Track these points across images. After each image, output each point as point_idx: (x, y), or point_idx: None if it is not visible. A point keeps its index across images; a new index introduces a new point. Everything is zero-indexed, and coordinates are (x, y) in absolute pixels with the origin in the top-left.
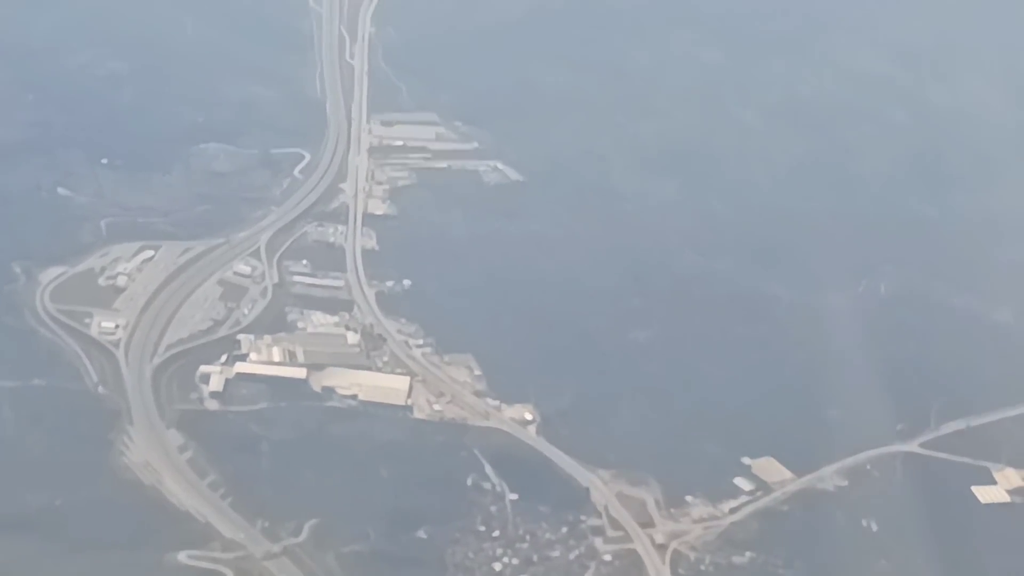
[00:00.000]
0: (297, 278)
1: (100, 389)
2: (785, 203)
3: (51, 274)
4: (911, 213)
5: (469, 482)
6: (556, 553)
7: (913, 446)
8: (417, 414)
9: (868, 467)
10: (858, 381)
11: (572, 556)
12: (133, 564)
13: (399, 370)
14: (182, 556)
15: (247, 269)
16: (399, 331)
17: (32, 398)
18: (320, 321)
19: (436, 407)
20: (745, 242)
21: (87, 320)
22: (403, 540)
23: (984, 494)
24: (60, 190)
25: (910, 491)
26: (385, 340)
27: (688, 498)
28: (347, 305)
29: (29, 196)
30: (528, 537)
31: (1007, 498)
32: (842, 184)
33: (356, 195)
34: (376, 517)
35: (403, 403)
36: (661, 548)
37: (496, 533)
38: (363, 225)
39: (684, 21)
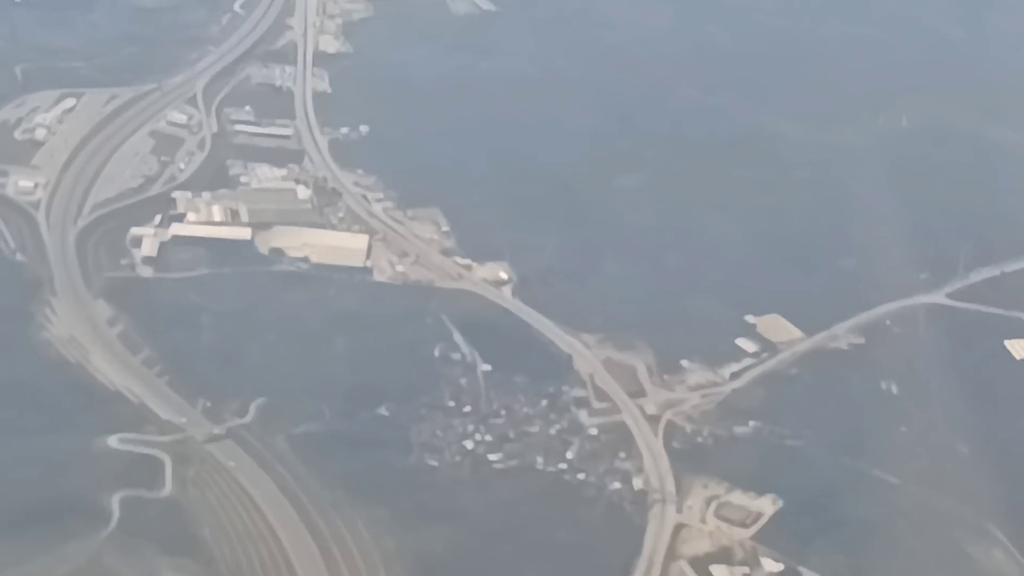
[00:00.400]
0: (239, 127)
1: (18, 256)
2: (793, 28)
3: None
4: (936, 34)
5: (436, 352)
6: (535, 428)
7: (939, 297)
8: (377, 277)
9: (887, 323)
10: (876, 226)
11: (553, 431)
12: (57, 451)
13: (356, 228)
14: (113, 440)
15: (182, 118)
16: (356, 184)
17: None
18: (266, 175)
19: (398, 268)
20: (748, 74)
21: (2, 179)
22: (362, 418)
23: (1019, 348)
24: None
25: (935, 348)
26: (340, 194)
27: (684, 363)
28: (297, 156)
29: None
30: (503, 412)
31: None
32: (858, 3)
33: (305, 31)
34: (331, 394)
35: (361, 265)
36: (653, 419)
37: (467, 408)
38: (314, 65)
39: None
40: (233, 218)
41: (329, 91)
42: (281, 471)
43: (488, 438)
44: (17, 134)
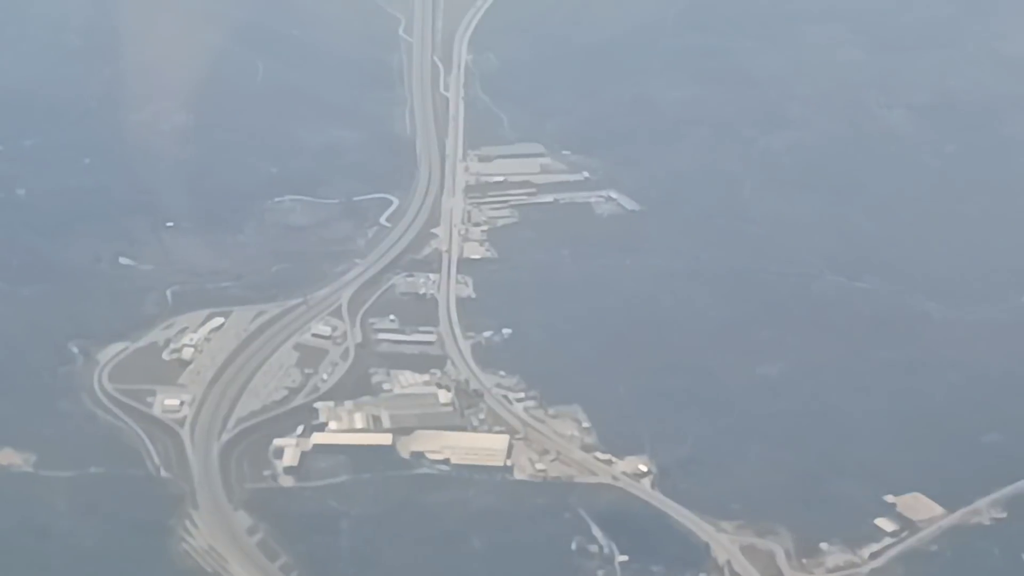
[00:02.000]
0: (383, 335)
1: (162, 473)
2: (937, 210)
3: (111, 351)
4: None
5: (573, 546)
6: None
7: None
8: (518, 475)
9: None
10: (1020, 401)
11: None
12: None
13: (497, 428)
14: None
15: (327, 330)
16: (498, 385)
17: (88, 487)
18: (408, 381)
19: (539, 466)
20: (892, 258)
21: (149, 399)
22: None
23: None
24: (122, 259)
25: None
26: (482, 396)
27: (823, 546)
28: (439, 361)
29: (88, 268)
30: None
31: None
32: (1002, 184)
33: (450, 239)
34: None
35: (502, 464)
36: None
37: None
38: (458, 272)
39: (818, 16)
40: (375, 424)
41: (473, 296)
42: None
43: None
44: (165, 355)
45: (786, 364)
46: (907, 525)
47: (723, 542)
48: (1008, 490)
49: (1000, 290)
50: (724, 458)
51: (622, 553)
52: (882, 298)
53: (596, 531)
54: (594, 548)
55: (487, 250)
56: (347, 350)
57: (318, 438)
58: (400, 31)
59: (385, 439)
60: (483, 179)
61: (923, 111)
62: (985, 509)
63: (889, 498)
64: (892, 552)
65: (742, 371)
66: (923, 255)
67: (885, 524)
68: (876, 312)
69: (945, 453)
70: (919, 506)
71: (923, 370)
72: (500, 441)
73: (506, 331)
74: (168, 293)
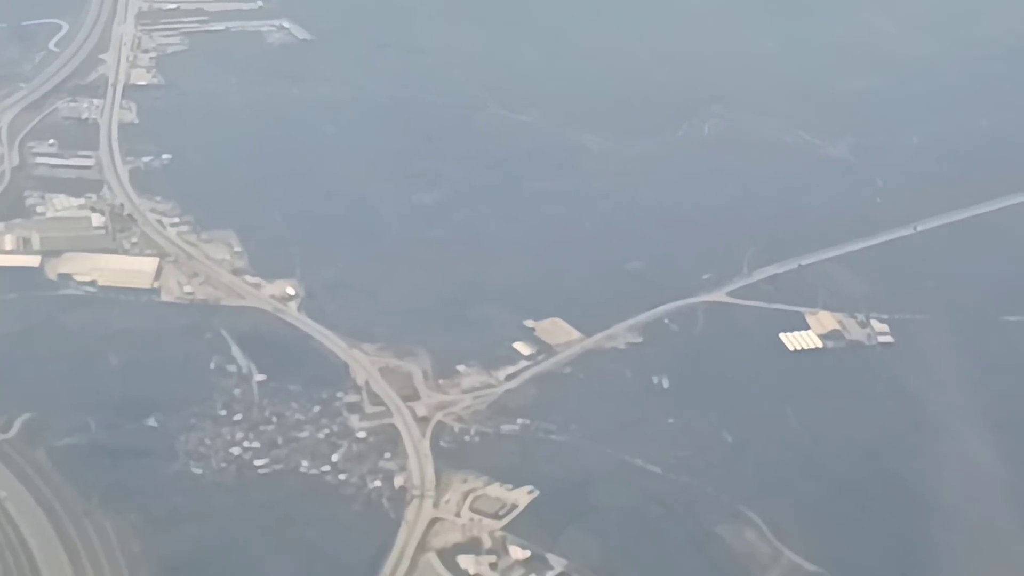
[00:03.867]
0: (41, 159)
1: None
2: (604, 45)
3: None
4: (746, 47)
5: (212, 365)
6: (304, 433)
7: (720, 296)
8: (164, 297)
9: (666, 321)
10: (665, 231)
11: (322, 435)
12: None
13: (149, 252)
14: None
15: None
16: (152, 210)
17: None
18: (63, 204)
19: (186, 289)
20: (556, 92)
21: None
22: (128, 430)
23: (792, 341)
24: None
25: (710, 344)
26: (135, 220)
27: (460, 367)
28: (96, 186)
29: None
30: (275, 419)
31: (819, 343)
32: (670, 20)
33: (118, 65)
34: (100, 407)
35: (149, 286)
36: (423, 421)
37: (238, 417)
38: (123, 98)
39: None
40: (25, 247)
41: (136, 122)
42: (38, 483)
43: (256, 444)
44: None
45: (441, 193)
46: (544, 349)
47: (363, 363)
48: (645, 316)
49: (657, 124)
50: (372, 283)
51: (260, 372)
52: (542, 131)
53: (236, 351)
54: (232, 368)
55: (154, 76)
56: (3, 173)
57: None
58: None
59: (33, 260)
60: (156, 6)
61: None
62: (622, 334)
63: (529, 323)
64: (527, 374)
65: (398, 200)
66: (587, 90)
67: (523, 348)
68: (535, 144)
69: (589, 280)
70: (557, 331)
71: (575, 200)
72: (149, 264)
73: (166, 157)
74: None
